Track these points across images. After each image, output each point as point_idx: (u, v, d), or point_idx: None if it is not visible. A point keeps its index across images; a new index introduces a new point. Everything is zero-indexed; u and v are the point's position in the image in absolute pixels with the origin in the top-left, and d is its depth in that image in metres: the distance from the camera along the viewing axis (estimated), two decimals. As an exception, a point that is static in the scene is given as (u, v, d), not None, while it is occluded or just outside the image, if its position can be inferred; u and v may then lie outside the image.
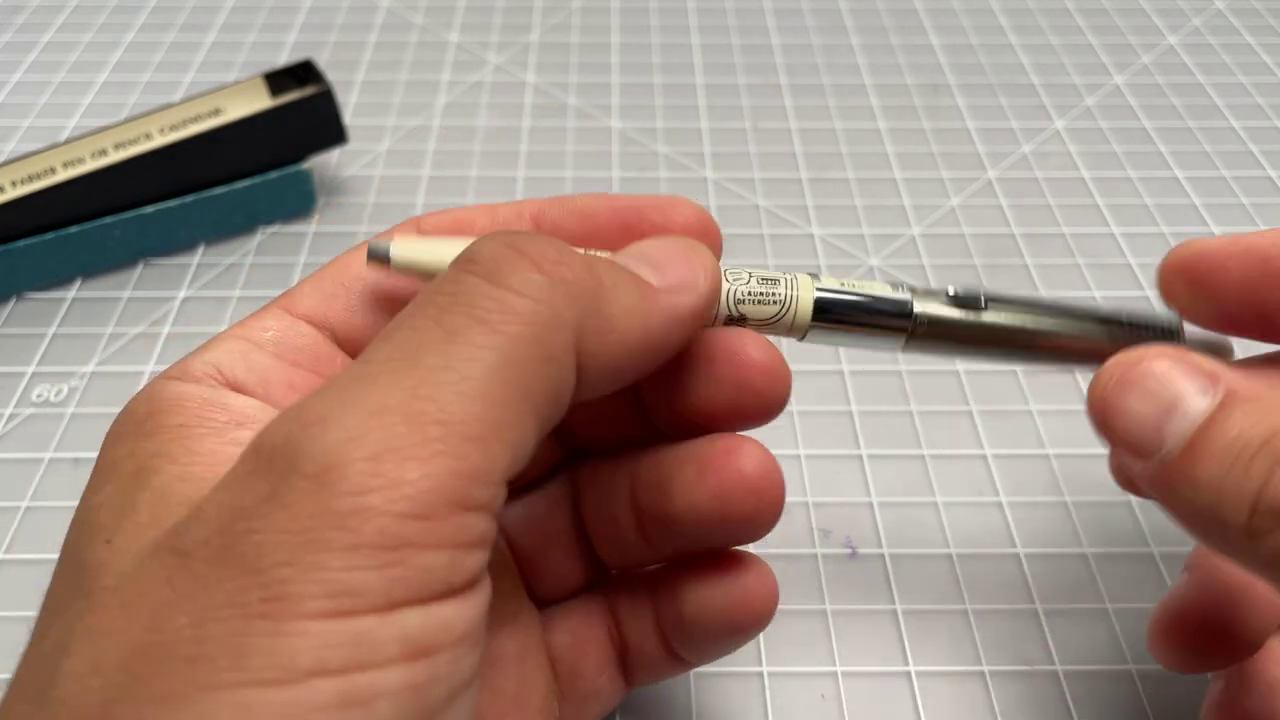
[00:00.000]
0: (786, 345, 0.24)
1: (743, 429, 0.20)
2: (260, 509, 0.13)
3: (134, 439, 0.17)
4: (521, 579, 0.22)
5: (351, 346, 0.19)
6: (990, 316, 0.20)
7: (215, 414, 0.17)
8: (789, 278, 0.20)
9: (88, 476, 0.31)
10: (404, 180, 0.41)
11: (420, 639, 0.13)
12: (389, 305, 0.20)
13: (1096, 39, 0.49)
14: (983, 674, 0.26)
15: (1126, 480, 0.22)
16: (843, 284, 0.21)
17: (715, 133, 0.44)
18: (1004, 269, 0.37)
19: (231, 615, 0.12)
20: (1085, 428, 0.32)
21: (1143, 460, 0.17)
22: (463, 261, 0.16)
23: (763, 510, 0.19)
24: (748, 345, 0.19)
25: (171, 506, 0.15)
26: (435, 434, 0.13)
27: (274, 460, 0.14)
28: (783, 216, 0.40)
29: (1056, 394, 0.33)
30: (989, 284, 0.37)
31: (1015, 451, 0.31)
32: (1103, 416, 0.18)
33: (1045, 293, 0.36)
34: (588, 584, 0.22)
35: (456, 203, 0.40)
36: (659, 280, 0.17)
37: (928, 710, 0.26)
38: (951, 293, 0.20)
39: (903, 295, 0.20)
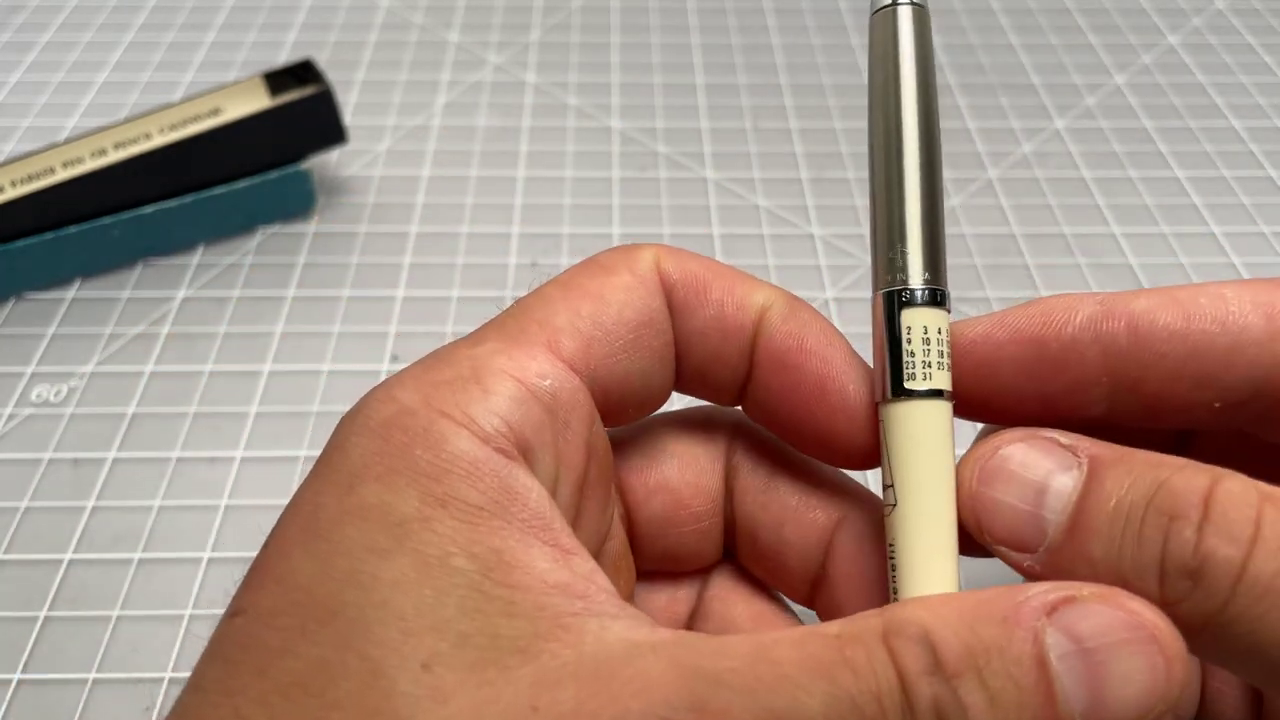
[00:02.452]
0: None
1: None
2: None
3: (421, 499, 0.14)
4: None
5: (602, 396, 0.17)
6: None
7: (511, 504, 0.14)
8: None
9: (87, 477, 0.31)
10: (404, 180, 0.41)
11: None
12: (651, 348, 0.18)
13: (1097, 39, 0.49)
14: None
15: None
16: None
17: (715, 133, 0.43)
18: (1004, 269, 0.37)
19: None
20: (1085, 428, 0.32)
21: (1030, 554, 0.16)
22: (906, 690, 0.13)
23: None
24: None
25: (507, 658, 0.13)
26: None
27: None
28: (783, 216, 0.39)
29: (1057, 394, 0.33)
30: (989, 284, 0.37)
31: (1015, 452, 0.31)
32: (975, 520, 0.16)
33: (1046, 293, 0.36)
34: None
35: (456, 203, 0.40)
36: (1086, 707, 0.13)
37: (928, 711, 0.26)
38: None
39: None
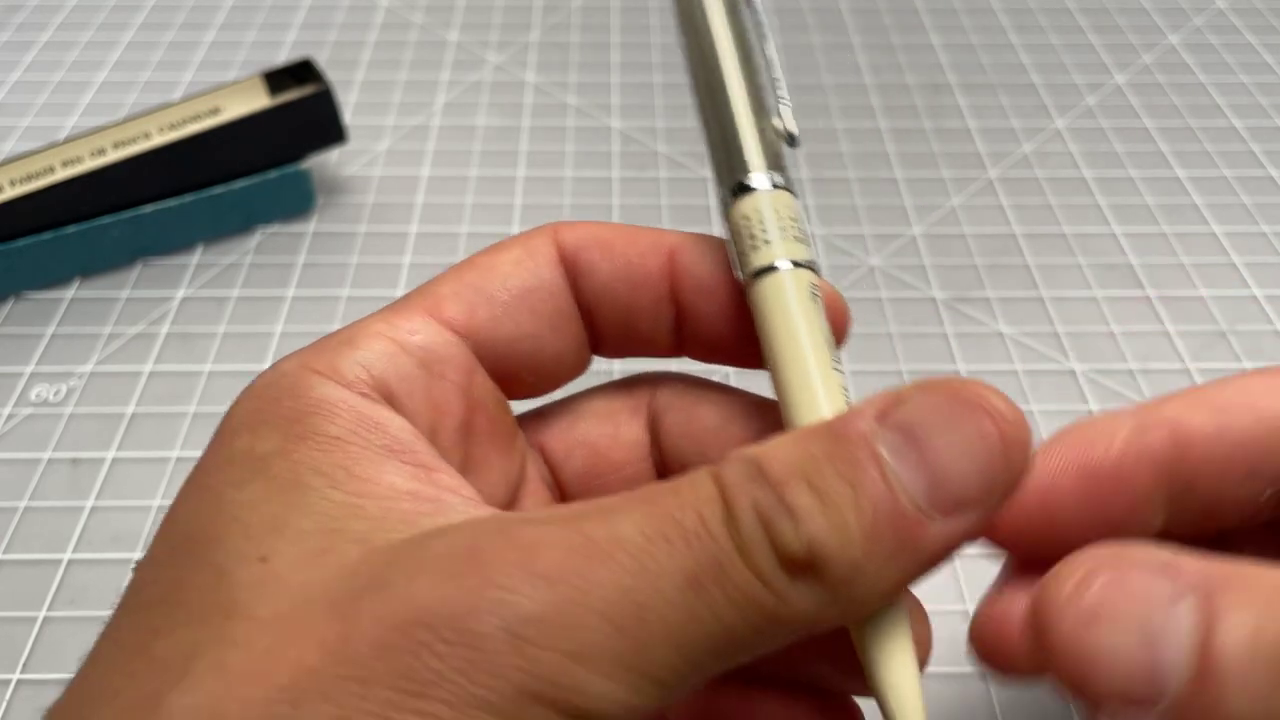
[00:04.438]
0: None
1: None
2: (447, 631, 0.13)
3: (283, 438, 0.15)
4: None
5: (488, 358, 0.18)
6: None
7: (370, 433, 0.15)
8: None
9: (86, 476, 0.31)
10: (404, 180, 0.41)
11: None
12: (537, 312, 0.18)
13: (1097, 38, 0.49)
14: (983, 674, 0.26)
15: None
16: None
17: (715, 132, 0.43)
18: (1005, 269, 0.37)
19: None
20: (1086, 428, 0.32)
21: (1144, 710, 0.13)
22: (727, 506, 0.13)
23: None
24: None
25: (340, 542, 0.14)
26: (633, 663, 0.13)
27: (483, 588, 0.13)
28: (783, 216, 0.39)
29: (1057, 394, 0.33)
30: (989, 283, 0.37)
31: (1016, 452, 0.31)
32: (1077, 673, 0.13)
33: (1046, 293, 0.36)
34: None
35: (456, 203, 0.40)
36: (930, 495, 0.14)
37: (928, 711, 0.25)
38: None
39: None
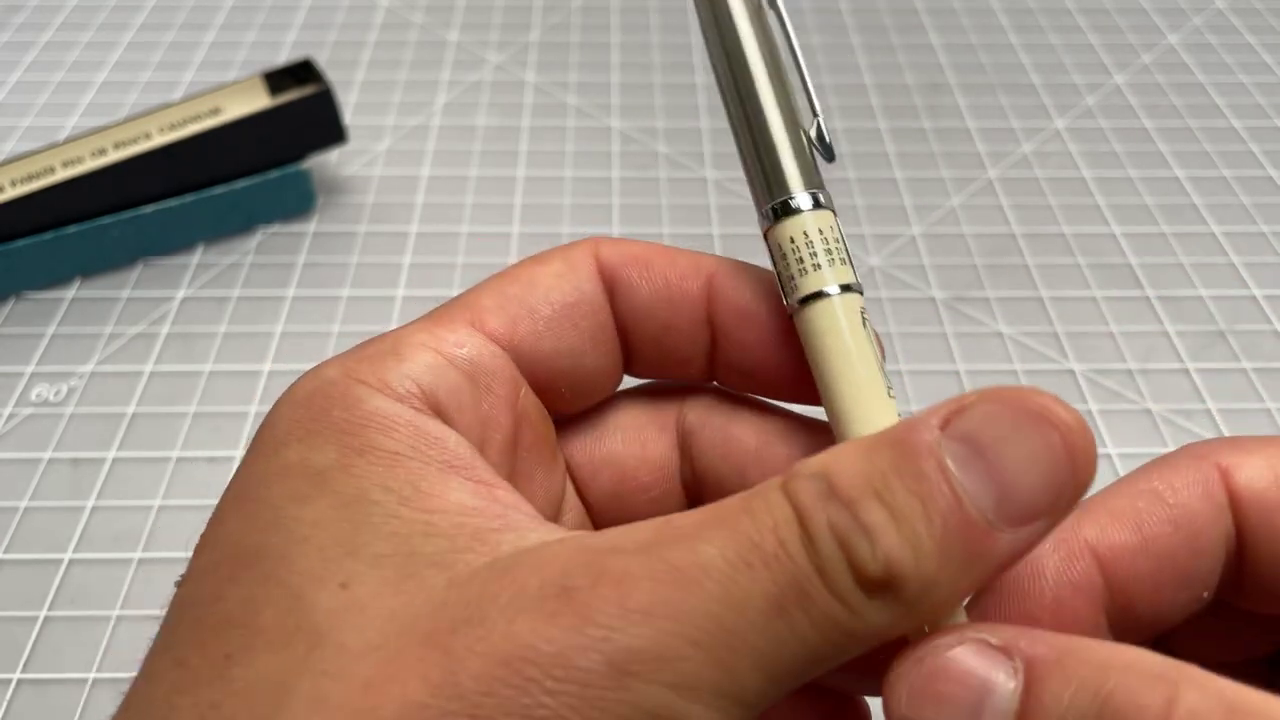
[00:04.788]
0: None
1: None
2: (554, 670, 0.13)
3: (340, 451, 0.15)
4: None
5: (529, 372, 0.18)
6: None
7: (428, 448, 0.15)
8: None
9: (86, 476, 0.31)
10: (404, 180, 0.41)
11: None
12: (579, 327, 0.18)
13: (1097, 38, 0.49)
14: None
15: None
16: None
17: (715, 133, 0.43)
18: (1004, 269, 0.37)
19: None
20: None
21: None
22: (803, 523, 0.14)
23: None
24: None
25: (420, 567, 0.14)
26: (728, 690, 0.13)
27: (584, 625, 0.13)
28: (783, 216, 0.39)
29: (1057, 394, 0.33)
30: (989, 283, 0.37)
31: (1015, 451, 0.31)
32: None
33: (1046, 293, 0.36)
34: None
35: (456, 202, 0.40)
36: (995, 500, 0.14)
37: (928, 711, 0.26)
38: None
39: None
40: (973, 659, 0.14)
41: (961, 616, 0.16)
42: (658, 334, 0.19)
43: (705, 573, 0.13)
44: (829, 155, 0.18)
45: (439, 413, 0.16)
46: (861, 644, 0.14)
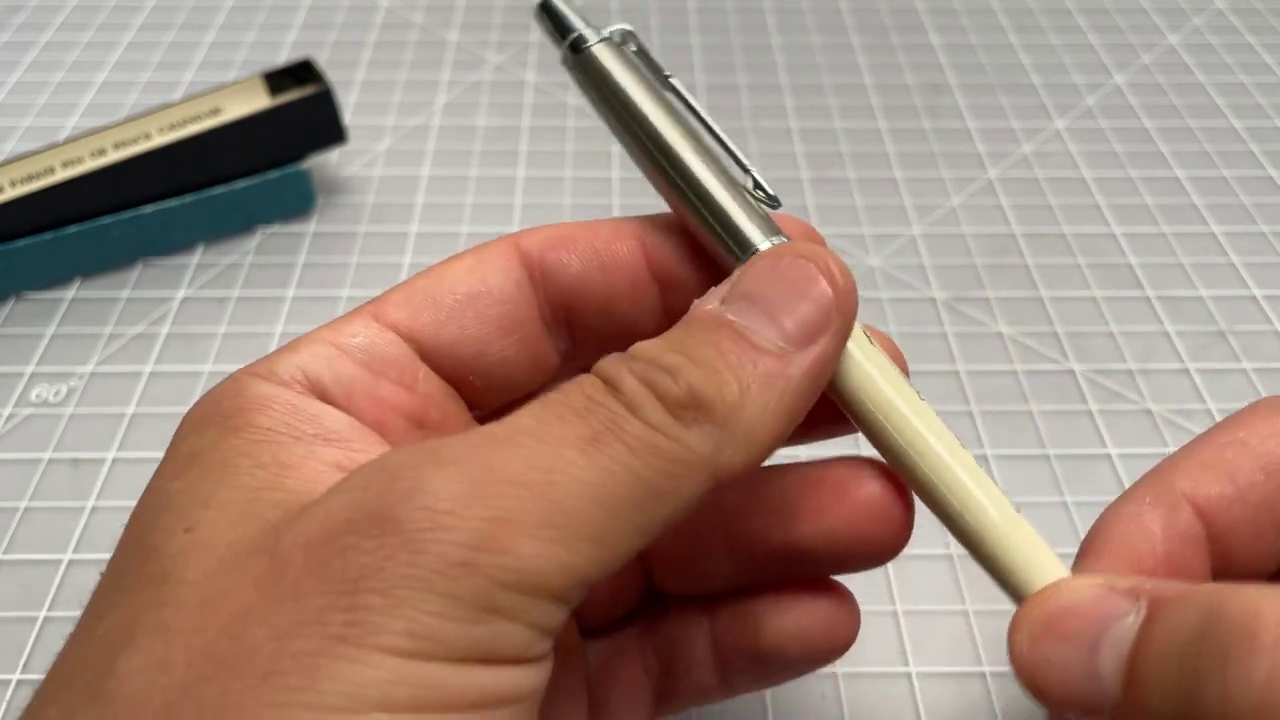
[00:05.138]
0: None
1: (848, 571, 0.19)
2: (369, 529, 0.13)
3: (218, 432, 0.16)
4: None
5: (434, 360, 0.19)
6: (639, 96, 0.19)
7: (303, 424, 0.16)
8: None
9: (86, 477, 0.31)
10: (404, 180, 0.41)
11: (487, 693, 0.13)
12: (483, 316, 0.19)
13: (1097, 38, 0.49)
14: (983, 674, 0.26)
15: None
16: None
17: (715, 132, 0.43)
18: (1004, 269, 0.37)
19: (313, 634, 0.13)
20: (1084, 428, 0.32)
21: (1096, 714, 0.14)
22: (608, 382, 0.15)
23: (896, 534, 0.18)
24: (864, 482, 0.18)
25: (261, 509, 0.15)
26: (557, 522, 0.14)
27: (395, 483, 0.14)
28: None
29: (1058, 395, 0.33)
30: (989, 283, 0.37)
31: (1015, 452, 0.31)
32: (1029, 678, 0.15)
33: (1046, 293, 0.36)
34: (633, 613, 0.22)
35: (456, 202, 0.40)
36: (779, 331, 0.16)
37: (928, 711, 0.26)
38: (631, 47, 0.19)
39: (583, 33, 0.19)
40: (1096, 598, 0.15)
41: (1062, 570, 0.16)
42: (601, 305, 0.19)
43: (517, 431, 0.14)
44: (774, 203, 0.19)
45: (323, 395, 0.17)
46: (696, 471, 0.15)
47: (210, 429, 0.16)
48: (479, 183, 0.41)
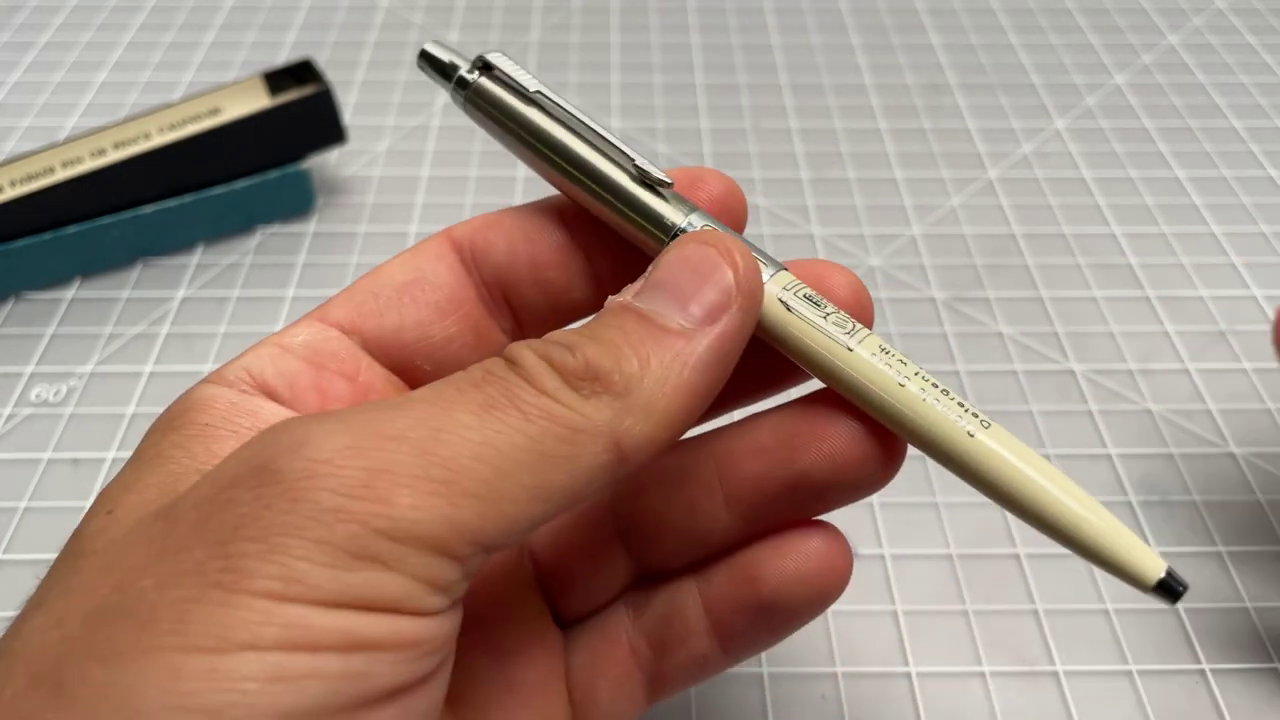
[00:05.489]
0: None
1: (851, 500, 0.20)
2: (250, 481, 0.14)
3: (161, 432, 0.17)
4: (548, 600, 0.21)
5: (380, 351, 0.20)
6: (529, 112, 0.20)
7: (240, 418, 0.17)
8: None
9: (86, 477, 0.31)
10: (403, 180, 0.41)
11: (361, 636, 0.13)
12: (419, 301, 0.20)
13: (1097, 39, 0.49)
14: (983, 674, 0.26)
15: None
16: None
17: (715, 133, 0.43)
18: (1004, 269, 0.37)
19: (191, 582, 0.13)
20: (1084, 428, 0.32)
21: None
22: (508, 359, 0.16)
23: (895, 456, 0.19)
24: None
25: (178, 486, 0.16)
26: (439, 475, 0.14)
27: (279, 438, 0.14)
28: (783, 216, 0.39)
29: (1056, 394, 0.33)
30: (990, 283, 0.37)
31: (1015, 452, 0.31)
32: None
33: (1046, 293, 0.36)
34: (616, 597, 0.22)
35: (456, 203, 0.40)
36: (687, 317, 0.17)
37: (928, 711, 0.26)
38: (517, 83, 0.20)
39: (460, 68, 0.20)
40: None
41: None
42: (531, 275, 0.20)
43: (413, 399, 0.15)
44: (665, 184, 0.19)
45: (267, 390, 0.18)
46: (594, 440, 0.15)
47: (156, 431, 0.17)
48: (479, 183, 0.41)
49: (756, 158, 0.42)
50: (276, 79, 0.38)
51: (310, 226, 0.39)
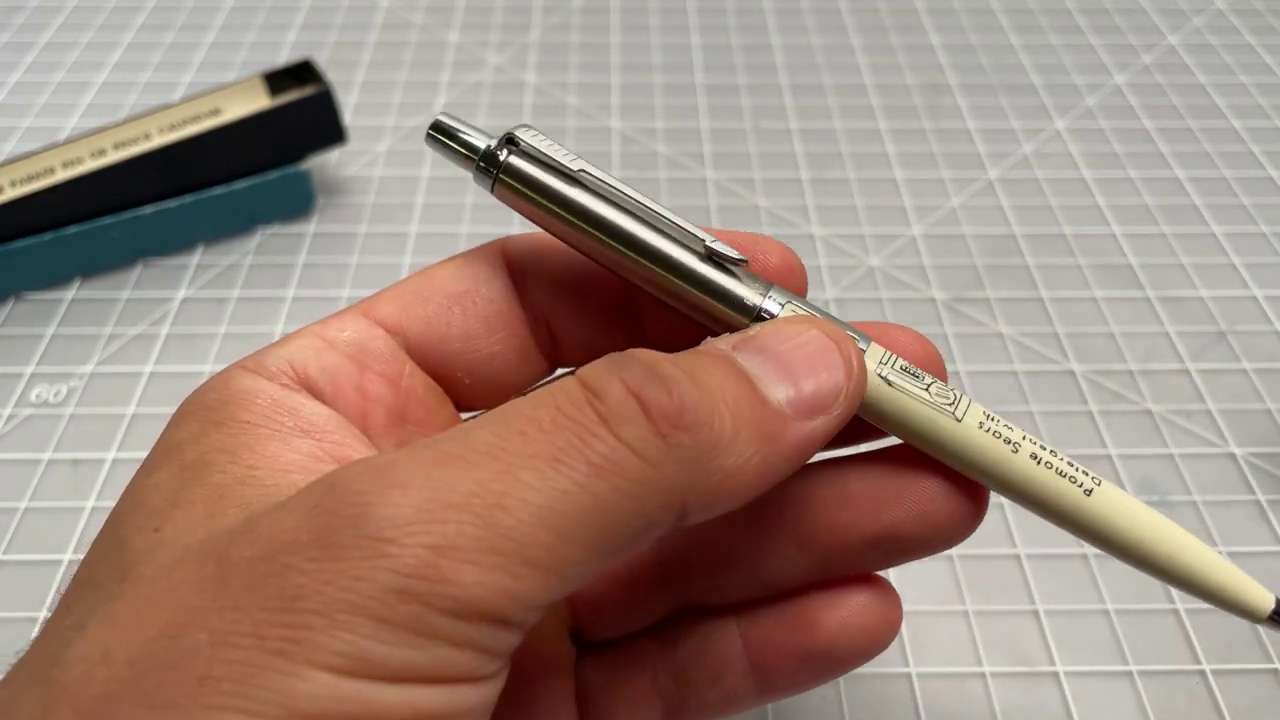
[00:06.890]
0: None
1: (926, 554, 0.19)
2: (311, 550, 0.13)
3: (200, 425, 0.17)
4: (571, 617, 0.21)
5: (421, 355, 0.19)
6: (575, 193, 0.18)
7: (283, 417, 0.17)
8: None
9: (87, 477, 0.31)
10: (403, 180, 0.41)
11: (424, 708, 0.13)
12: (469, 313, 0.20)
13: (1097, 39, 0.49)
14: (983, 674, 0.26)
15: None
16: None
17: (715, 133, 0.43)
18: (1005, 269, 0.37)
19: (250, 645, 0.13)
20: (1084, 428, 0.32)
21: None
22: (590, 388, 0.15)
23: (981, 511, 0.19)
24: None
25: (227, 507, 0.15)
26: (502, 548, 0.13)
27: (341, 507, 0.14)
28: (783, 216, 0.39)
29: (1056, 394, 0.33)
30: (990, 284, 0.37)
31: (1016, 452, 0.31)
32: None
33: (1046, 293, 0.36)
34: (648, 628, 0.21)
35: (457, 203, 0.40)
36: (789, 394, 0.16)
37: (928, 711, 0.26)
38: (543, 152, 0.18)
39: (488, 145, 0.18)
40: None
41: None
42: (580, 299, 0.20)
43: (472, 449, 0.14)
44: (741, 261, 0.18)
45: (309, 386, 0.18)
46: (664, 498, 0.14)
47: (193, 421, 0.17)
48: (479, 183, 0.41)
49: (756, 158, 0.42)
50: (276, 79, 0.38)
51: (310, 227, 0.39)
